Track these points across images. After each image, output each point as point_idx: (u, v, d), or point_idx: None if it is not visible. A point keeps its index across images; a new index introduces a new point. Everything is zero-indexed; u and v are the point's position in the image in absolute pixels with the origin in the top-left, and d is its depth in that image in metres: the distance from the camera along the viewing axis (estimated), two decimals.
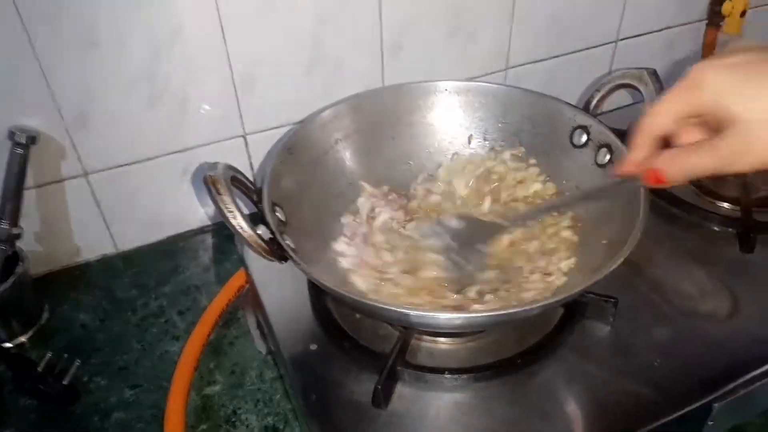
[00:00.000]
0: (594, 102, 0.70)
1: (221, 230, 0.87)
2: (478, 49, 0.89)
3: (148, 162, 0.79)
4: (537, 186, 0.72)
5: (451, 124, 0.75)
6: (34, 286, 0.75)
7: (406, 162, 0.75)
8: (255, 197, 0.61)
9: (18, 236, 0.71)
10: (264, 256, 0.56)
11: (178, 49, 0.72)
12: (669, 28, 1.00)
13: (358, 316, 0.64)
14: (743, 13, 0.95)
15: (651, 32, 0.99)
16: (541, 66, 0.95)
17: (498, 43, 0.90)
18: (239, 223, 0.54)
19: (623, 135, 0.64)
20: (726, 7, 0.96)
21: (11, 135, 0.68)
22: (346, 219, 0.70)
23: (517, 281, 0.63)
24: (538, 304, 0.51)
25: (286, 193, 0.63)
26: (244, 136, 0.82)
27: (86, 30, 0.67)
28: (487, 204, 0.72)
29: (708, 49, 1.02)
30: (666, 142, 0.50)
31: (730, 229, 0.73)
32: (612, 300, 0.61)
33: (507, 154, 0.75)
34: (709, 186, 0.79)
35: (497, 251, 0.67)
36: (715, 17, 0.99)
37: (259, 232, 0.55)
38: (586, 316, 0.62)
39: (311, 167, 0.69)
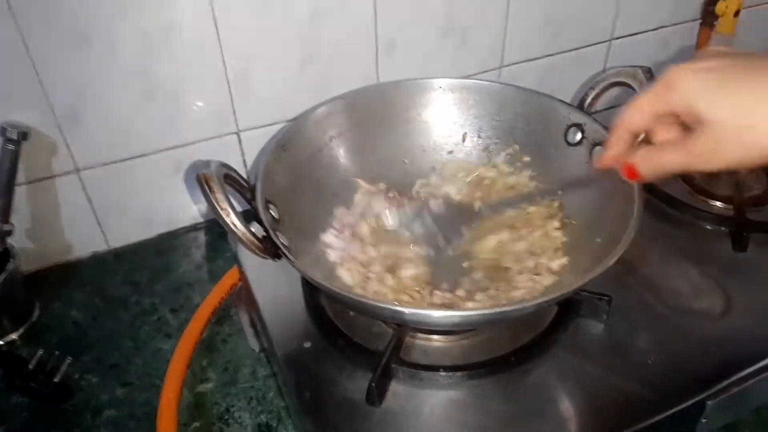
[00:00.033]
0: (588, 100, 0.70)
1: (214, 227, 0.87)
2: (473, 47, 0.89)
3: (141, 159, 0.78)
4: (527, 190, 0.72)
5: (446, 122, 0.75)
6: (25, 283, 0.74)
7: (401, 160, 0.75)
8: (248, 195, 0.60)
9: (9, 233, 0.71)
10: (257, 254, 0.55)
11: (171, 45, 0.72)
12: (663, 27, 1.00)
13: (352, 313, 0.63)
14: (737, 13, 0.96)
15: (645, 31, 0.99)
16: (536, 64, 0.95)
17: (492, 41, 0.90)
18: (232, 220, 0.53)
19: None
20: (720, 7, 0.97)
21: (2, 131, 0.67)
22: (339, 211, 0.70)
23: (505, 281, 0.64)
24: (533, 302, 0.52)
25: (279, 191, 0.63)
26: (237, 133, 0.82)
27: (78, 26, 0.67)
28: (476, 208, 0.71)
29: (701, 48, 1.02)
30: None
31: (723, 228, 0.73)
32: (606, 298, 0.61)
33: (500, 158, 0.75)
34: (702, 185, 0.80)
35: (484, 252, 0.67)
36: (708, 17, 0.99)
37: (252, 229, 0.55)
38: (580, 314, 0.62)
39: (305, 164, 0.69)
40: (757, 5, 1.04)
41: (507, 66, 0.93)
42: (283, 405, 0.64)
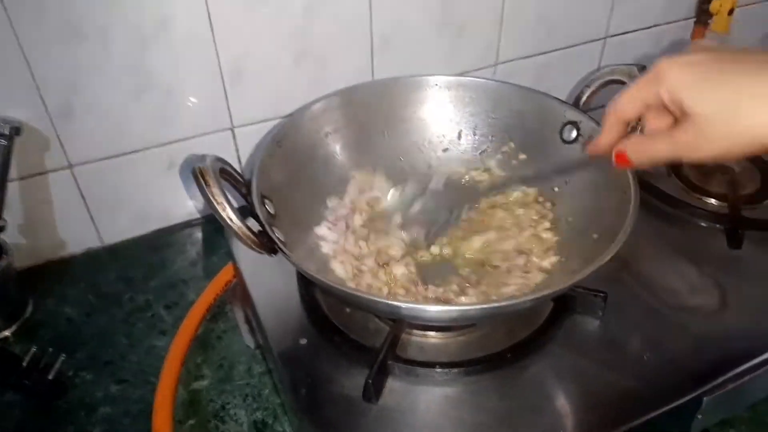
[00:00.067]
0: (584, 98, 0.70)
1: (209, 224, 0.86)
2: (468, 44, 0.89)
3: (134, 154, 0.78)
4: (517, 194, 0.73)
5: (442, 120, 0.75)
6: (19, 280, 0.74)
7: (397, 158, 0.75)
8: (244, 189, 0.60)
9: (2, 229, 0.70)
10: (254, 249, 0.55)
11: (165, 41, 0.71)
12: (657, 25, 1.01)
13: (348, 310, 0.63)
14: (731, 12, 0.96)
15: (640, 29, 1.00)
16: (531, 62, 0.95)
17: (487, 38, 0.90)
18: (229, 215, 0.53)
19: None
20: (714, 5, 0.97)
21: None
22: (332, 202, 0.70)
23: (495, 277, 0.64)
24: (530, 297, 0.52)
25: (275, 186, 0.63)
26: (231, 129, 0.82)
27: (71, 20, 0.66)
28: (464, 211, 0.72)
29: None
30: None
31: (718, 225, 0.74)
32: (601, 294, 0.61)
33: (493, 162, 0.75)
34: (696, 182, 0.80)
35: (471, 252, 0.67)
36: (703, 15, 0.99)
37: (248, 224, 0.55)
38: (575, 311, 0.62)
39: (300, 160, 0.68)
40: (751, 4, 1.04)
41: (502, 63, 0.93)
42: (279, 402, 0.64)
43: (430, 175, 0.74)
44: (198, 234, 0.85)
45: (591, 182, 0.66)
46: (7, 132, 0.67)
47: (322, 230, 0.68)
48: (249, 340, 0.70)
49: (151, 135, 0.77)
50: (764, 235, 0.73)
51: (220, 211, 0.53)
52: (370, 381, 0.53)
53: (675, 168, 0.83)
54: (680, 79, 0.45)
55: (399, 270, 0.64)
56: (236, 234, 0.54)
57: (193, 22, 0.72)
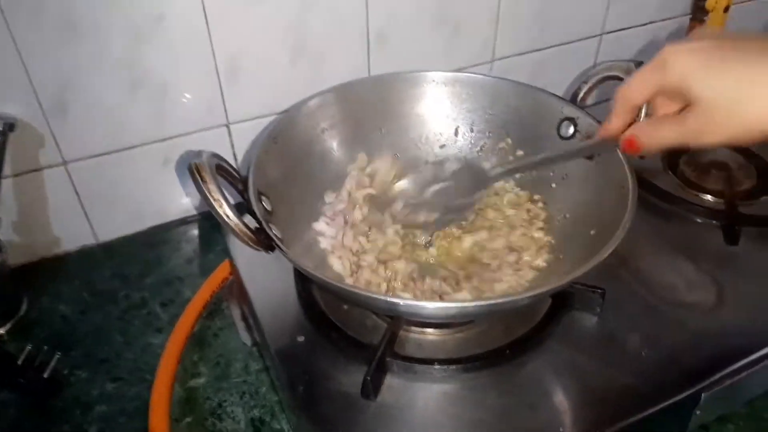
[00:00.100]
0: (581, 94, 0.70)
1: (204, 221, 0.86)
2: (464, 40, 0.88)
3: (129, 151, 0.77)
4: (510, 195, 0.72)
5: (439, 116, 0.75)
6: (13, 277, 0.73)
7: (393, 154, 0.75)
8: (240, 186, 0.60)
9: None
10: (251, 246, 0.55)
11: (160, 36, 0.71)
12: (653, 22, 1.01)
13: (345, 307, 0.63)
14: (727, 9, 0.96)
15: (635, 26, 1.00)
16: (527, 59, 0.95)
17: (484, 34, 0.89)
18: (225, 211, 0.53)
19: None
20: (710, 2, 0.97)
21: None
22: (329, 198, 0.70)
23: (486, 274, 0.64)
24: (529, 293, 0.51)
25: (271, 183, 0.63)
26: (227, 126, 0.81)
27: (66, 15, 0.66)
28: (480, 195, 0.71)
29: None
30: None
31: (714, 222, 0.74)
32: (599, 291, 0.61)
33: (487, 165, 0.75)
34: (692, 179, 0.80)
35: (460, 251, 0.67)
36: (698, 12, 0.99)
37: (245, 221, 0.54)
38: (573, 307, 0.62)
39: (297, 156, 0.68)
40: (746, 0, 1.04)
41: (498, 60, 0.93)
42: (277, 399, 0.64)
43: (443, 161, 0.73)
44: (194, 231, 0.85)
45: (589, 178, 0.66)
46: (0, 128, 0.66)
47: (320, 225, 0.67)
48: (246, 338, 0.69)
49: (146, 131, 0.77)
50: (761, 231, 0.73)
51: (217, 207, 0.52)
52: (369, 378, 0.53)
53: (671, 164, 0.83)
54: (685, 66, 0.45)
55: (400, 265, 0.63)
56: (233, 231, 0.53)
57: (189, 18, 0.71)
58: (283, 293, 0.65)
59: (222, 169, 0.57)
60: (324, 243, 0.66)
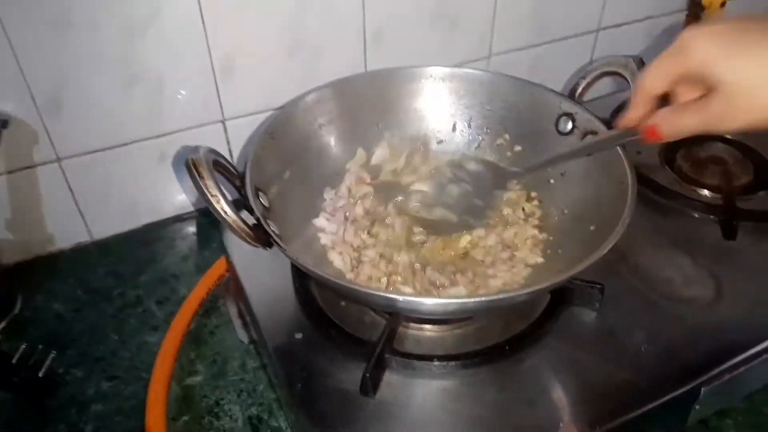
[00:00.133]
0: (579, 89, 0.70)
1: (200, 218, 0.85)
2: (461, 36, 0.88)
3: (124, 147, 0.77)
4: (508, 194, 0.71)
5: (437, 111, 0.75)
6: (6, 276, 0.73)
7: (388, 140, 0.74)
8: (237, 182, 0.59)
9: None
10: (248, 242, 0.54)
11: (155, 32, 0.70)
12: (650, 18, 1.01)
13: (343, 303, 0.63)
14: (723, 4, 0.96)
15: (632, 22, 1.00)
16: (524, 54, 0.94)
17: (480, 30, 0.89)
18: (223, 207, 0.52)
19: (609, 122, 0.64)
20: None
21: None
22: (329, 194, 0.70)
23: (481, 270, 0.64)
24: (529, 289, 0.51)
25: (269, 179, 0.62)
26: (223, 122, 0.81)
27: (60, 9, 0.65)
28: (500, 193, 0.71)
29: None
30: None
31: (712, 217, 0.74)
32: (598, 286, 0.61)
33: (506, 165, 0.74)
34: (690, 174, 0.80)
35: (453, 248, 0.67)
36: (694, 8, 0.99)
37: (242, 217, 0.54)
38: (572, 303, 0.62)
39: (294, 152, 0.67)
40: None
41: (495, 55, 0.92)
42: (274, 397, 0.63)
43: (461, 161, 0.73)
44: (189, 228, 0.84)
45: (587, 174, 0.65)
46: None
47: (320, 222, 0.67)
48: (242, 335, 0.69)
49: (141, 128, 0.76)
50: (758, 226, 0.73)
51: (214, 203, 0.52)
52: (368, 375, 0.53)
53: (668, 159, 0.83)
54: (706, 50, 0.45)
55: (403, 258, 0.63)
56: (231, 227, 0.53)
57: (184, 13, 0.71)
58: (281, 290, 0.64)
59: (219, 165, 0.56)
60: (324, 239, 0.66)
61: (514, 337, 0.59)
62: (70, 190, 0.76)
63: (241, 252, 0.68)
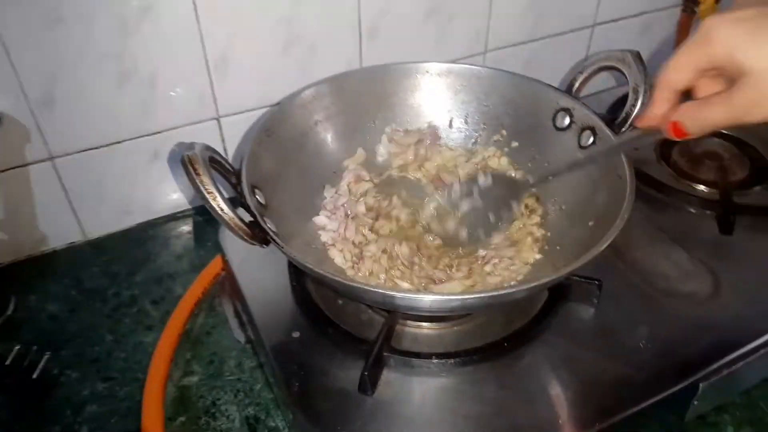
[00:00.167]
0: (577, 84, 0.69)
1: (195, 216, 0.85)
2: (456, 32, 0.88)
3: (118, 145, 0.76)
4: None
5: (434, 107, 0.74)
6: None
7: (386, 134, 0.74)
8: (233, 179, 0.58)
9: None
10: (245, 240, 0.54)
11: (148, 27, 0.70)
12: (644, 13, 1.00)
13: (340, 302, 0.62)
14: (718, 0, 0.96)
15: (627, 17, 1.00)
16: (519, 50, 0.94)
17: (476, 26, 0.89)
18: (219, 204, 0.51)
19: (605, 118, 0.64)
20: None
21: None
22: (329, 192, 0.69)
23: (478, 267, 0.63)
24: (528, 285, 0.51)
25: (265, 176, 0.62)
26: (217, 119, 0.80)
27: (52, 4, 0.64)
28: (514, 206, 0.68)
29: (682, 34, 1.03)
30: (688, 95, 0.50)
31: (708, 212, 0.73)
32: (596, 282, 0.61)
33: (478, 157, 0.74)
34: (686, 169, 0.80)
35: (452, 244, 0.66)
36: (689, 2, 0.99)
37: (239, 214, 0.53)
38: (570, 299, 0.62)
39: (291, 149, 0.67)
40: None
41: (491, 51, 0.92)
42: (271, 397, 0.63)
43: (475, 174, 0.70)
44: (183, 227, 0.84)
45: (585, 169, 0.65)
46: None
47: (321, 220, 0.67)
48: (239, 335, 0.68)
49: (134, 125, 0.76)
50: (754, 221, 0.73)
51: (211, 200, 0.51)
52: (366, 373, 0.53)
53: (664, 155, 0.83)
54: (732, 36, 0.43)
55: (404, 249, 0.63)
56: (227, 224, 0.52)
57: (178, 9, 0.70)
58: (277, 289, 0.64)
59: (215, 162, 0.55)
60: (325, 237, 0.66)
61: (512, 333, 0.59)
62: (63, 188, 0.76)
63: (237, 250, 0.67)
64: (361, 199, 0.68)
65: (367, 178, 0.70)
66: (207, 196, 0.51)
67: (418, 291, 0.60)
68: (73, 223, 0.79)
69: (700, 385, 0.56)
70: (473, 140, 0.75)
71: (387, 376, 0.56)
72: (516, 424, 0.53)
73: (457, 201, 0.66)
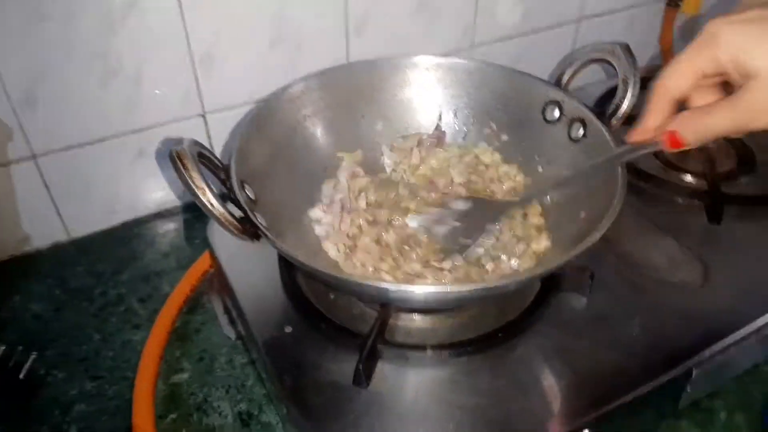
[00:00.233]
0: (566, 77, 0.69)
1: (182, 213, 0.84)
2: (444, 27, 0.88)
3: (102, 143, 0.75)
4: (509, 183, 0.71)
5: (423, 101, 0.74)
6: None
7: (377, 141, 0.73)
8: (222, 175, 0.58)
9: None
10: (235, 235, 0.53)
11: (133, 24, 0.69)
12: (630, 7, 1.01)
13: (332, 295, 0.62)
14: None
15: (613, 12, 1.00)
16: (506, 44, 0.94)
17: (463, 20, 0.89)
18: (209, 199, 0.51)
19: (595, 111, 0.64)
20: None
21: None
22: (327, 186, 0.69)
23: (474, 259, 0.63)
24: (520, 277, 0.51)
25: (254, 171, 0.61)
26: (203, 115, 0.79)
27: (34, 3, 0.63)
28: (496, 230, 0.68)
29: (666, 28, 1.03)
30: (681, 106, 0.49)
31: (697, 202, 0.74)
32: (588, 272, 0.61)
33: (470, 155, 0.74)
34: (674, 160, 0.80)
35: None
36: None
37: (229, 209, 0.53)
38: (562, 289, 0.61)
39: (280, 144, 0.66)
40: None
41: (478, 46, 0.92)
42: (264, 392, 0.62)
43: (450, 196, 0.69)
44: (170, 225, 0.83)
45: (574, 161, 0.65)
46: None
47: (316, 213, 0.66)
48: (229, 331, 0.67)
49: (118, 122, 0.75)
50: (741, 210, 0.74)
51: (200, 195, 0.50)
52: (361, 366, 0.52)
53: None
54: (737, 38, 0.42)
55: (391, 238, 0.63)
56: (217, 219, 0.52)
57: (163, 6, 0.69)
58: (268, 284, 0.63)
59: (203, 157, 0.55)
60: (318, 230, 0.65)
61: (506, 324, 0.58)
62: (46, 187, 0.74)
63: (226, 247, 0.67)
64: (361, 194, 0.68)
65: (362, 174, 0.70)
66: (196, 191, 0.50)
67: (410, 284, 0.59)
68: (57, 222, 0.78)
69: (694, 371, 0.56)
70: (463, 135, 0.74)
71: (381, 368, 0.55)
72: (511, 414, 0.52)
73: (431, 226, 0.65)
